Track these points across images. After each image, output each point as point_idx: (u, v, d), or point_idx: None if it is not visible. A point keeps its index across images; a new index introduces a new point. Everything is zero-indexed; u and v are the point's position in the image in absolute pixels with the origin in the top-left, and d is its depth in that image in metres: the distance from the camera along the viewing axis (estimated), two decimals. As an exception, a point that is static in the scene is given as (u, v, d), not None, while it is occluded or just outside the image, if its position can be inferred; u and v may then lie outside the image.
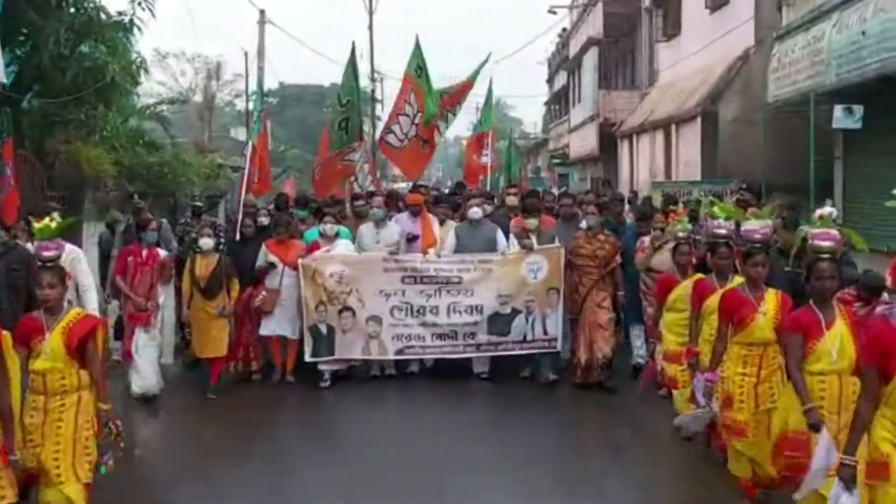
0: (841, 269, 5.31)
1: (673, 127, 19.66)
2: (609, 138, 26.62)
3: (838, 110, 12.66)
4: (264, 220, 10.06)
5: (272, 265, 9.34)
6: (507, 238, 9.67)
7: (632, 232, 9.75)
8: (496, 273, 9.41)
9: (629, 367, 9.52)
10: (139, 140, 15.48)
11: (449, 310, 9.37)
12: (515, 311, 9.40)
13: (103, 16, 12.58)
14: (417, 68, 12.53)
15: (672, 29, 22.11)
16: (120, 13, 12.95)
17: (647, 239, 9.05)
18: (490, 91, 14.96)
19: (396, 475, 6.79)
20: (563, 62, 36.30)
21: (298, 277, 9.25)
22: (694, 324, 6.61)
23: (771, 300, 5.72)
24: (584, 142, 30.36)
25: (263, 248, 9.43)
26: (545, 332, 9.40)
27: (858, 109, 12.44)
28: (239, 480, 6.73)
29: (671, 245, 8.03)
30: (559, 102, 39.54)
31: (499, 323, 9.43)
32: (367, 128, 44.37)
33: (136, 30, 13.22)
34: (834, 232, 5.16)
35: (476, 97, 16.40)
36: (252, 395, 9.28)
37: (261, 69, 20.35)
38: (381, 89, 43.46)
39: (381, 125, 16.51)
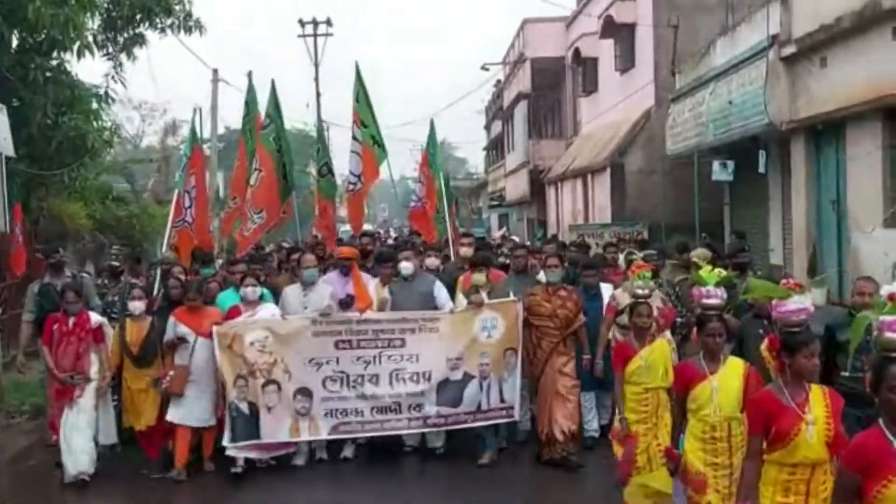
0: None
1: (589, 175, 22.03)
2: (539, 184, 28.97)
3: (715, 164, 15.06)
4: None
5: (182, 339, 7.91)
6: (454, 293, 8.56)
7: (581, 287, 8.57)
8: (444, 333, 8.14)
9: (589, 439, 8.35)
10: (108, 195, 17.23)
11: (391, 378, 8.07)
12: (468, 377, 8.09)
13: (82, 89, 14.41)
14: (357, 96, 11.43)
15: (590, 86, 24.58)
16: (95, 86, 14.80)
17: (618, 294, 8.06)
18: (433, 135, 13.11)
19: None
20: (498, 112, 38.76)
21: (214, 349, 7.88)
22: (678, 415, 5.38)
23: (818, 403, 4.26)
24: (517, 186, 32.67)
25: (171, 318, 7.97)
26: (502, 400, 8.11)
27: (730, 164, 14.83)
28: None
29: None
30: (496, 148, 41.97)
31: (449, 391, 8.10)
32: (312, 170, 45.81)
33: (109, 99, 15.12)
34: None
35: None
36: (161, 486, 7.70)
37: (214, 127, 22.32)
38: (328, 137, 45.28)
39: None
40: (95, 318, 7.99)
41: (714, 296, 5.45)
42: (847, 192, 11.41)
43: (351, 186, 11.81)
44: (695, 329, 5.63)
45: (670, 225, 17.25)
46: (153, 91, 48.79)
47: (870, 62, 10.27)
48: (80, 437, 7.63)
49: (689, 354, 6.47)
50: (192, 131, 11.79)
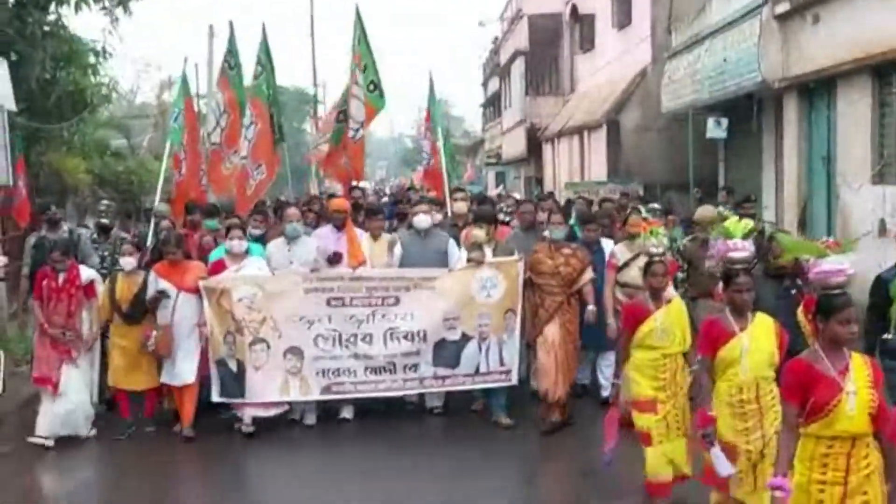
0: None
1: (585, 133, 22.12)
2: (535, 141, 29.03)
3: (710, 122, 15.17)
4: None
5: (163, 294, 7.69)
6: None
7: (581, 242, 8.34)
8: (441, 291, 7.90)
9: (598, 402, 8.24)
10: (106, 150, 17.37)
11: (385, 337, 7.85)
12: (466, 337, 7.89)
13: (79, 43, 14.45)
14: (358, 39, 10.92)
15: (587, 43, 24.57)
16: (93, 41, 14.84)
17: (617, 250, 7.96)
18: (432, 92, 12.29)
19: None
20: (495, 69, 38.62)
21: (200, 304, 7.74)
22: (706, 378, 5.01)
23: (860, 371, 3.91)
24: (514, 144, 32.68)
25: (151, 274, 7.77)
26: (501, 363, 7.92)
27: (724, 121, 14.94)
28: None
29: (641, 262, 6.69)
30: (493, 105, 41.84)
31: (446, 351, 7.89)
32: (309, 127, 45.87)
33: (106, 54, 15.16)
34: None
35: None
36: (161, 445, 7.78)
37: (210, 83, 22.28)
38: (324, 94, 44.96)
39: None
40: (86, 273, 7.90)
41: (742, 248, 5.17)
42: (837, 149, 11.56)
43: (352, 133, 11.17)
44: (720, 284, 5.25)
45: (665, 182, 17.41)
46: (150, 46, 48.48)
47: (860, 20, 10.38)
48: (79, 398, 7.68)
49: (707, 311, 6.09)
50: (184, 82, 11.36)
